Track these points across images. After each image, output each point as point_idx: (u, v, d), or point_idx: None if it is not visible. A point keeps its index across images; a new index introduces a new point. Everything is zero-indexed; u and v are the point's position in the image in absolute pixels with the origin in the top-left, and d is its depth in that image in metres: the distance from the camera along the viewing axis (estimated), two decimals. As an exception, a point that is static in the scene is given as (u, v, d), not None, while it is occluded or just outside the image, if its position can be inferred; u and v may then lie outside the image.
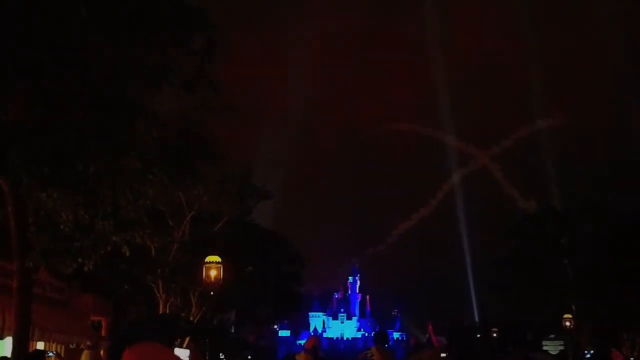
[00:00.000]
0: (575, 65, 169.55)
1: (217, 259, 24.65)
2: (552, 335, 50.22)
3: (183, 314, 28.46)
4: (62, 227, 15.03)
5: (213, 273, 24.38)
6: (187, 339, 27.30)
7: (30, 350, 15.40)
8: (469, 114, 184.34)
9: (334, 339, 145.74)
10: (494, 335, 65.12)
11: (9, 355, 14.55)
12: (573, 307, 46.02)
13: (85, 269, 15.93)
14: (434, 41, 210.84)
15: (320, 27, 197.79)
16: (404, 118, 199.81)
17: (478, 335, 78.33)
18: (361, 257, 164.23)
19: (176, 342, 26.70)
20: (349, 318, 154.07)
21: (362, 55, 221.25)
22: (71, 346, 23.84)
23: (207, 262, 24.55)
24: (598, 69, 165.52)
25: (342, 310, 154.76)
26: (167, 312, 27.50)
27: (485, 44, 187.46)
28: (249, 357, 53.24)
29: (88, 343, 23.42)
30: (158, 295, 27.34)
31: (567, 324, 43.49)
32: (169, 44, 13.92)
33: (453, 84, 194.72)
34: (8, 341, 16.22)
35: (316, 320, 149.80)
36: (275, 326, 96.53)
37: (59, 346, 23.37)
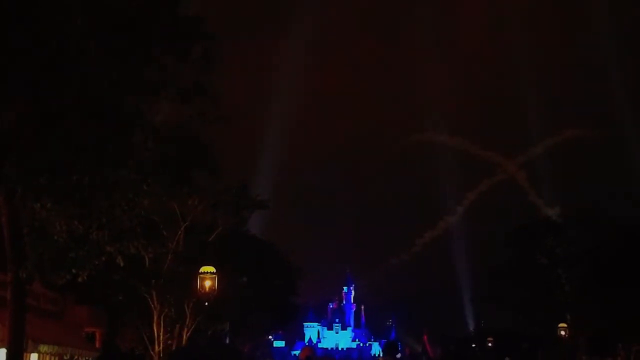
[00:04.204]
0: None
1: (211, 269, 24.52)
2: None
3: (177, 325, 28.30)
4: (56, 237, 14.97)
5: (207, 283, 24.25)
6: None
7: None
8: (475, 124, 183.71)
9: (329, 349, 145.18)
10: (490, 344, 65.01)
11: (2, 367, 14.47)
12: (568, 316, 46.00)
13: (80, 279, 15.85)
14: (456, 48, 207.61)
15: (323, 36, 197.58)
16: (402, 127, 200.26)
17: (473, 345, 78.22)
18: (357, 268, 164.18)
19: None
20: (344, 328, 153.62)
21: (369, 63, 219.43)
22: (65, 357, 23.72)
23: (201, 273, 24.42)
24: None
25: (337, 320, 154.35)
26: (162, 323, 27.35)
27: (510, 53, 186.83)
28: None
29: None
30: (152, 306, 27.18)
31: (563, 333, 43.44)
32: (166, 53, 13.93)
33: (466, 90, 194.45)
34: (2, 353, 16.12)
35: (311, 330, 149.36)
36: (270, 337, 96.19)
37: (52, 358, 23.24)
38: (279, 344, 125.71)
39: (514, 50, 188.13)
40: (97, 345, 30.21)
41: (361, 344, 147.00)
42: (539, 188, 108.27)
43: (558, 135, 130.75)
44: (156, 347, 26.97)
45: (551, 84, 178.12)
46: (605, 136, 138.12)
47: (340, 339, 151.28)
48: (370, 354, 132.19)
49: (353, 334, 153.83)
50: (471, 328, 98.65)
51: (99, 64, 12.91)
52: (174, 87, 14.56)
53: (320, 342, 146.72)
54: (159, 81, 14.10)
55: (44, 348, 20.21)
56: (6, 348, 14.76)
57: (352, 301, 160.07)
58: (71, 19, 12.30)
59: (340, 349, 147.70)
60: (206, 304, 25.74)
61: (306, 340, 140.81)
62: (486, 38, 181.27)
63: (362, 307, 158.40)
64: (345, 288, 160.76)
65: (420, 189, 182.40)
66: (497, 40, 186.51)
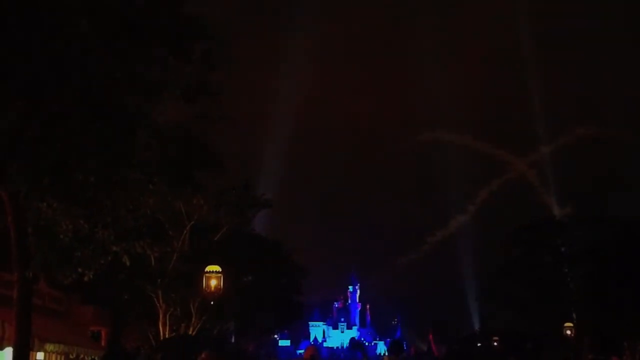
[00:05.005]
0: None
1: (217, 268, 24.56)
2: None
3: (183, 324, 28.38)
4: (61, 237, 15.03)
5: (213, 282, 24.28)
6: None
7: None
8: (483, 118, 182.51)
9: (334, 348, 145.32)
10: (495, 344, 64.94)
11: (9, 366, 14.54)
12: (574, 315, 45.94)
13: (85, 278, 15.91)
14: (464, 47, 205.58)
15: (329, 33, 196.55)
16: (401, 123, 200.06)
17: (479, 344, 78.10)
18: (363, 267, 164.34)
19: None
20: (349, 327, 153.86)
21: (376, 61, 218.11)
22: (71, 356, 23.82)
23: (207, 272, 24.45)
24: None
25: (342, 319, 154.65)
26: (167, 322, 27.42)
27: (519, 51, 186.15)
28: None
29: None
30: (158, 305, 27.27)
31: (568, 332, 43.40)
32: (169, 53, 13.97)
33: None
34: (8, 352, 16.21)
35: (316, 329, 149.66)
36: (276, 336, 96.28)
37: (59, 356, 23.35)
38: (284, 343, 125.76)
39: (527, 47, 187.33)
40: (103, 344, 30.32)
41: (366, 343, 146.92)
42: (551, 187, 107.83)
43: (570, 134, 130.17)
44: (162, 346, 27.03)
45: (566, 82, 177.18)
46: (617, 135, 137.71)
47: (346, 338, 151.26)
48: (376, 353, 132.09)
49: (358, 333, 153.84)
50: (476, 327, 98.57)
51: (101, 64, 12.95)
52: (177, 87, 14.59)
53: (325, 341, 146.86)
54: (162, 81, 14.14)
55: (50, 347, 20.30)
56: (13, 347, 14.84)
57: (357, 300, 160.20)
58: (73, 20, 12.34)
59: (345, 348, 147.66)
60: (212, 303, 25.80)
61: (311, 339, 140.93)
62: (496, 35, 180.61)
63: (368, 306, 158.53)
64: (350, 287, 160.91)
65: (431, 188, 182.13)
66: (507, 38, 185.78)
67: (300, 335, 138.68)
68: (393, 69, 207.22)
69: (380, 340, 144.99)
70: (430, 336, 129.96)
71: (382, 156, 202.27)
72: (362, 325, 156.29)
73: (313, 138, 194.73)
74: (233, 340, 45.29)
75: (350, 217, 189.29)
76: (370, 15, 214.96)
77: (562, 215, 54.35)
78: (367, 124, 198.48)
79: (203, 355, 14.88)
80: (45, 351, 20.53)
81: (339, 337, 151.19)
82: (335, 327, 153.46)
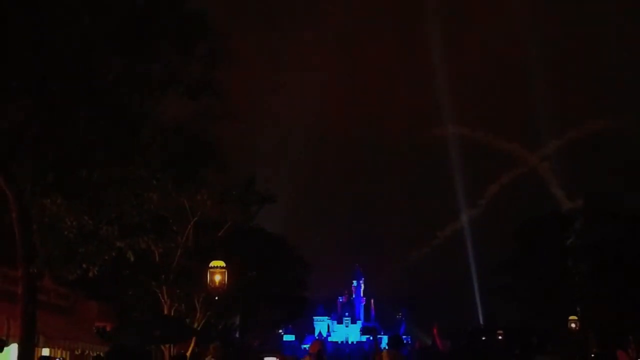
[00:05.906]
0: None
1: (221, 263, 24.56)
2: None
3: (188, 319, 28.42)
4: (66, 233, 15.07)
5: (217, 278, 24.29)
6: (192, 344, 27.28)
7: (36, 357, 15.39)
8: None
9: (339, 343, 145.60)
10: (500, 338, 64.98)
11: (14, 362, 14.57)
12: (578, 309, 45.93)
13: (90, 274, 15.95)
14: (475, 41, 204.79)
15: (332, 30, 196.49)
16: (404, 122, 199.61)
17: (483, 338, 78.15)
18: (368, 261, 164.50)
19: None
20: (354, 322, 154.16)
21: (379, 58, 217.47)
22: (76, 352, 23.88)
23: (211, 267, 24.46)
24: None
25: (346, 314, 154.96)
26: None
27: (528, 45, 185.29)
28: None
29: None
30: (162, 300, 27.32)
31: (573, 325, 43.39)
32: (172, 51, 13.98)
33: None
34: (13, 348, 16.25)
35: (321, 324, 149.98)
36: (280, 331, 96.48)
37: (64, 352, 23.40)
38: (289, 338, 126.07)
39: (538, 43, 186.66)
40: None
41: (370, 338, 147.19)
42: (562, 180, 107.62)
43: (580, 129, 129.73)
44: (166, 341, 27.06)
45: (575, 77, 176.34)
46: (626, 128, 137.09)
47: (350, 332, 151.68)
48: (380, 348, 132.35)
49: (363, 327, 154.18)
50: (481, 322, 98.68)
51: (103, 61, 12.96)
52: (181, 84, 14.60)
53: (330, 335, 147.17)
54: (166, 78, 14.15)
55: (55, 343, 20.35)
56: (18, 343, 14.88)
57: (361, 295, 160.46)
58: (74, 17, 12.34)
59: (350, 342, 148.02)
60: (216, 298, 25.82)
61: (316, 334, 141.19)
62: (503, 32, 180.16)
63: (372, 300, 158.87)
64: (355, 282, 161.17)
65: (442, 183, 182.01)
66: (516, 35, 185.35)
67: (304, 330, 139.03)
68: (401, 66, 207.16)
69: (384, 334, 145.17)
70: (435, 330, 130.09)
71: (390, 152, 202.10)
72: (367, 319, 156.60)
73: (320, 135, 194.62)
74: (238, 335, 45.37)
75: (357, 211, 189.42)
76: (373, 15, 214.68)
77: (568, 210, 54.36)
78: (375, 120, 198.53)
79: (210, 349, 14.96)
80: (50, 347, 20.58)
81: (343, 332, 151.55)
82: (340, 322, 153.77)
